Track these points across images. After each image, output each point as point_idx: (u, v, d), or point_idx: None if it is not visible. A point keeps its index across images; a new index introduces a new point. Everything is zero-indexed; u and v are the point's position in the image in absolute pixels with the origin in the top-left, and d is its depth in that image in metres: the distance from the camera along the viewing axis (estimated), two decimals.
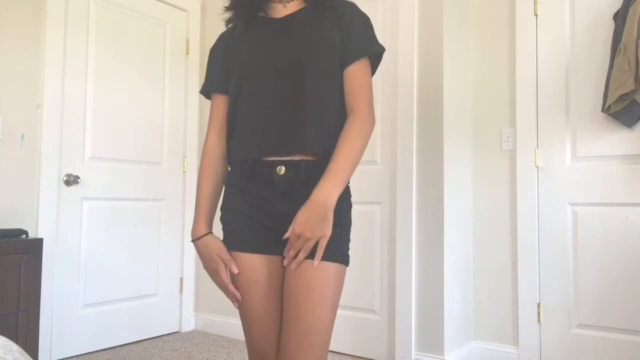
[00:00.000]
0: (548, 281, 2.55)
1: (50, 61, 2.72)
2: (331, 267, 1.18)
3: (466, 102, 2.77)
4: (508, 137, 2.69)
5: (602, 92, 2.42)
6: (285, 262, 1.19)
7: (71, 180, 2.80)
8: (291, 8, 1.31)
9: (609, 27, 2.43)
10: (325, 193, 1.15)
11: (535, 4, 2.64)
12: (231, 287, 1.23)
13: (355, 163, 1.20)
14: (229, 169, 1.34)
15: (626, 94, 2.23)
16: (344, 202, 1.24)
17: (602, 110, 2.37)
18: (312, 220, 1.14)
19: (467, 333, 2.69)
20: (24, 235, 2.44)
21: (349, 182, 1.24)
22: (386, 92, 2.81)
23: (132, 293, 3.11)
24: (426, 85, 2.60)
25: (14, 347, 1.06)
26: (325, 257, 1.16)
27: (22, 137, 2.64)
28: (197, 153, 3.49)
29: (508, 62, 2.72)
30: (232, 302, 1.26)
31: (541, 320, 2.55)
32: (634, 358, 2.32)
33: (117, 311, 3.03)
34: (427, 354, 2.51)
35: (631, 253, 2.36)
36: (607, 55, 2.42)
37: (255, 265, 1.23)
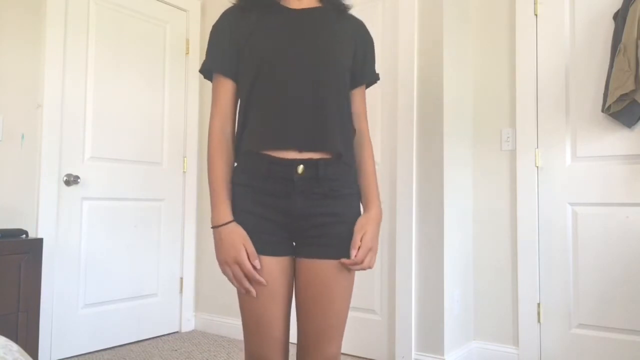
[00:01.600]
0: (548, 281, 2.55)
1: (50, 61, 2.72)
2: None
3: (466, 102, 2.77)
4: (508, 137, 2.70)
5: (602, 92, 2.42)
6: (350, 262, 1.22)
7: (71, 180, 2.80)
8: (306, 3, 1.30)
9: (609, 27, 2.43)
10: (380, 213, 1.29)
11: (535, 4, 2.64)
12: (257, 275, 1.17)
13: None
14: (235, 163, 1.28)
15: (626, 94, 2.23)
16: (358, 201, 1.33)
17: (602, 110, 2.37)
18: (375, 235, 1.25)
19: (467, 333, 2.69)
20: (24, 235, 2.44)
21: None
22: (386, 92, 2.81)
23: (132, 293, 3.11)
24: (426, 85, 2.60)
25: (14, 347, 1.06)
26: (345, 255, 1.23)
27: (22, 137, 2.64)
28: (197, 153, 3.49)
29: (508, 62, 2.72)
30: (244, 292, 1.19)
31: (541, 320, 2.55)
32: (634, 358, 2.32)
33: (117, 311, 3.03)
34: (427, 354, 2.51)
35: (631, 253, 2.36)
36: (607, 55, 2.42)
37: (268, 269, 1.20)
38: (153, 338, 3.21)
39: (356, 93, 1.36)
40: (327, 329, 1.22)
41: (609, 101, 2.27)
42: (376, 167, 2.77)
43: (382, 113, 2.83)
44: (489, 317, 2.70)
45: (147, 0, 3.23)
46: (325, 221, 1.22)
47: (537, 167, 2.60)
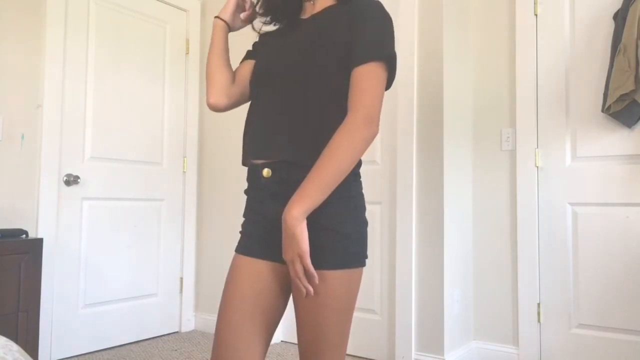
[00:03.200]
0: (548, 281, 2.55)
1: (50, 61, 2.72)
2: (334, 274, 1.13)
3: (466, 102, 2.77)
4: (508, 137, 2.69)
5: (602, 92, 2.42)
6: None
7: (71, 180, 2.80)
8: (319, 6, 1.30)
9: (609, 27, 2.43)
10: (286, 213, 1.07)
11: (535, 4, 2.64)
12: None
13: (336, 169, 1.10)
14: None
15: (626, 94, 2.23)
16: (339, 202, 1.15)
17: (602, 110, 2.37)
18: (285, 243, 1.08)
19: (467, 333, 2.69)
20: (24, 235, 2.44)
21: (349, 179, 1.16)
22: (386, 92, 2.81)
23: (132, 293, 3.11)
24: (426, 85, 2.60)
25: (14, 347, 1.06)
26: (323, 267, 1.12)
27: (22, 137, 2.64)
28: (197, 153, 3.49)
29: (508, 62, 2.72)
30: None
31: (541, 320, 2.55)
32: (634, 358, 2.32)
33: (117, 311, 3.03)
34: (427, 354, 2.51)
35: (631, 253, 2.36)
36: (607, 55, 2.42)
37: (250, 269, 1.22)
38: (153, 338, 3.21)
39: (353, 73, 1.17)
40: (313, 342, 1.15)
41: (609, 101, 2.27)
42: (376, 167, 2.79)
43: (382, 113, 2.83)
44: (489, 317, 2.70)
45: (147, 0, 3.24)
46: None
47: (537, 167, 2.60)
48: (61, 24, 2.78)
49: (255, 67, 1.30)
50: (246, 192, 1.29)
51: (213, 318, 3.34)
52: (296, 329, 1.21)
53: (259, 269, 1.21)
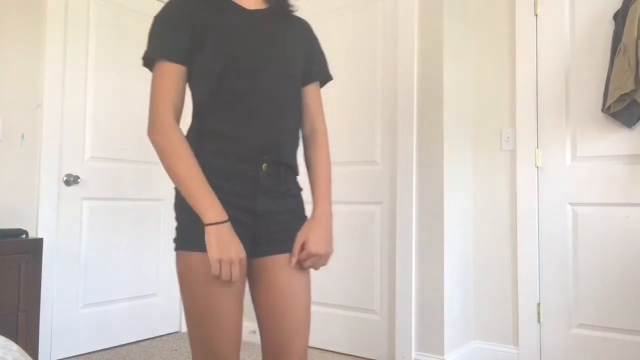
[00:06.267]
0: (548, 281, 2.55)
1: (50, 61, 2.72)
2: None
3: (466, 102, 2.77)
4: (508, 137, 2.69)
5: (602, 92, 2.42)
6: (293, 262, 1.23)
7: (71, 180, 2.80)
8: (254, 3, 1.28)
9: (609, 27, 2.43)
10: (329, 212, 1.27)
11: (535, 4, 2.64)
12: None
13: (330, 174, 1.33)
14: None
15: (626, 93, 2.23)
16: (300, 195, 1.32)
17: (602, 110, 2.37)
18: (324, 238, 1.24)
19: (467, 333, 2.69)
20: (24, 235, 2.44)
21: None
22: (386, 92, 2.81)
23: (132, 293, 3.11)
24: (426, 85, 2.60)
25: (14, 347, 1.06)
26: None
27: (22, 137, 2.64)
28: None
29: (508, 62, 2.72)
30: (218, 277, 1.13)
31: (541, 320, 2.55)
32: (634, 358, 2.31)
33: (117, 311, 3.03)
34: (427, 354, 2.51)
35: (631, 253, 2.36)
36: (607, 55, 2.42)
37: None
38: (153, 338, 3.21)
39: (312, 89, 1.34)
40: (300, 324, 1.23)
41: (609, 101, 2.27)
42: (376, 167, 2.80)
43: (382, 113, 2.83)
44: (489, 317, 2.70)
45: (147, 0, 3.23)
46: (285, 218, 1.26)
47: (537, 167, 2.60)
48: (61, 24, 2.78)
49: (233, 46, 1.19)
50: (218, 185, 1.17)
51: None
52: (269, 323, 1.23)
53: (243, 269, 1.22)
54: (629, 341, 2.34)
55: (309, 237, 1.23)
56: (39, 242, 2.38)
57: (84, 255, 2.88)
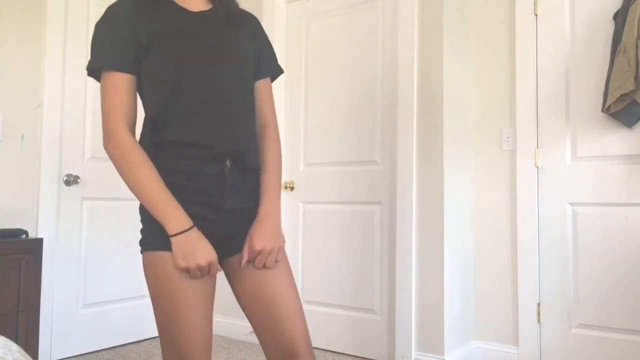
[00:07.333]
0: (548, 281, 2.55)
1: (50, 61, 2.72)
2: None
3: (466, 102, 2.77)
4: (508, 137, 2.69)
5: (602, 92, 2.42)
6: (243, 263, 1.22)
7: (71, 180, 2.80)
8: (199, 5, 1.27)
9: (609, 27, 2.43)
10: (275, 206, 1.26)
11: (535, 4, 2.64)
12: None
13: (281, 170, 1.34)
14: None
15: (626, 93, 2.22)
16: (257, 191, 1.33)
17: (602, 110, 2.37)
18: (269, 234, 1.22)
19: (467, 333, 2.69)
20: (24, 235, 2.44)
21: None
22: (386, 92, 2.81)
23: (132, 293, 3.11)
24: (426, 85, 2.60)
25: (14, 347, 1.06)
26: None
27: (22, 137, 2.64)
28: None
29: (508, 62, 2.72)
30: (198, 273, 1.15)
31: (541, 320, 2.55)
32: (634, 358, 2.32)
33: (117, 311, 3.03)
34: (427, 354, 2.51)
35: (631, 253, 2.36)
36: (607, 55, 2.42)
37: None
38: (153, 338, 3.21)
39: (264, 83, 1.35)
40: (290, 306, 1.22)
41: (609, 101, 2.27)
42: (376, 167, 2.80)
43: (382, 113, 2.83)
44: (489, 317, 2.70)
45: None
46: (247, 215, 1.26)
47: (537, 167, 2.60)
48: (61, 24, 2.78)
49: (183, 50, 1.19)
50: (177, 183, 1.18)
51: (213, 318, 3.34)
52: (260, 321, 1.23)
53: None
54: (629, 341, 2.34)
55: (252, 235, 1.21)
56: (39, 242, 2.38)
57: (84, 255, 2.88)
